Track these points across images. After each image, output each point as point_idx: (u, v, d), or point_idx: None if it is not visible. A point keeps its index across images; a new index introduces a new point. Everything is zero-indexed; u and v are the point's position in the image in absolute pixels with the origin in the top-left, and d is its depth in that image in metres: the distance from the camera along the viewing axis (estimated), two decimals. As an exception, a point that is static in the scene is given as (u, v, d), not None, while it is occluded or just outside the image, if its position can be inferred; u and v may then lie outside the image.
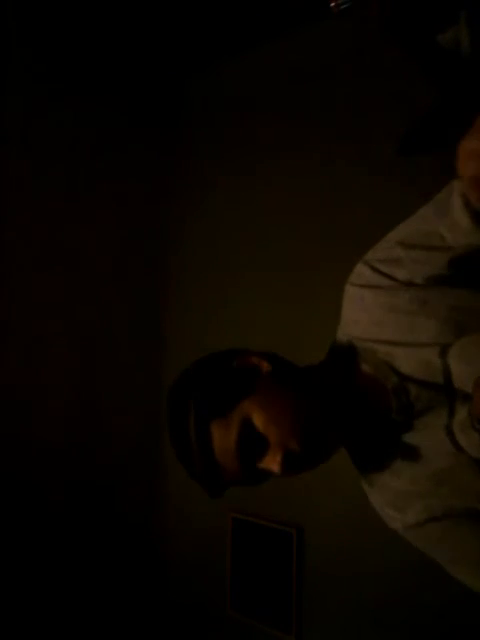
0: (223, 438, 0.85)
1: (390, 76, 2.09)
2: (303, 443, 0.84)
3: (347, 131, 2.23)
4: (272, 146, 2.46)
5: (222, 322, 2.52)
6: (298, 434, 0.84)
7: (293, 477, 0.91)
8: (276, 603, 2.29)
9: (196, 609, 2.57)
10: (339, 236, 2.20)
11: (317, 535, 2.20)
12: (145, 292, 2.77)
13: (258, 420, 0.85)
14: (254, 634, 2.35)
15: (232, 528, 2.42)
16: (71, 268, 2.53)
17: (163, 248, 2.80)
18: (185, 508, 2.63)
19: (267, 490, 2.51)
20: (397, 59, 1.89)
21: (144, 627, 2.66)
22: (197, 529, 2.58)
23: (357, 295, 0.92)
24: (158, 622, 2.67)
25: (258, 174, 2.50)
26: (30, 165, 2.43)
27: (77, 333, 2.54)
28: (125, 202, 2.71)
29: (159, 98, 2.82)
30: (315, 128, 2.33)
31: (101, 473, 2.57)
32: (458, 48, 1.54)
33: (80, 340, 2.55)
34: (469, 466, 0.84)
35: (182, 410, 0.89)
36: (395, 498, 0.92)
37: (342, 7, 1.57)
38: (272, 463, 0.85)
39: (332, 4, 1.57)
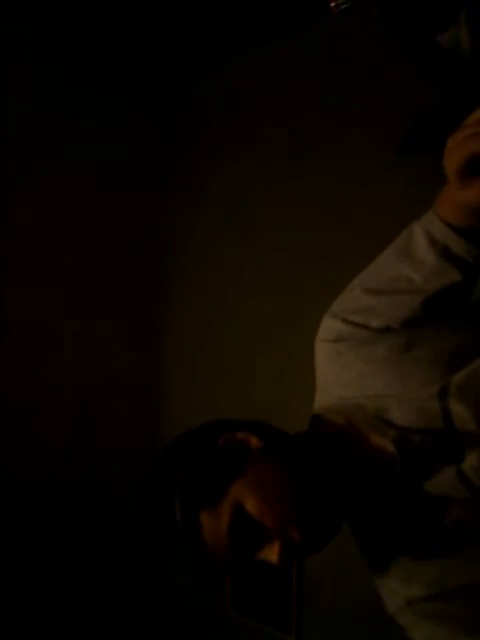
0: (214, 529, 0.77)
1: (390, 76, 2.09)
2: (304, 530, 0.77)
3: (347, 131, 2.23)
4: (272, 146, 2.46)
5: (222, 322, 2.52)
6: (297, 519, 0.77)
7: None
8: (276, 603, 2.28)
9: (196, 609, 2.57)
10: (339, 236, 2.20)
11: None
12: (145, 292, 2.77)
13: (251, 506, 0.77)
14: (254, 634, 2.35)
15: (232, 528, 2.42)
16: (71, 268, 2.53)
17: (163, 248, 2.80)
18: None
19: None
20: (397, 59, 1.89)
21: (144, 627, 2.66)
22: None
23: (332, 351, 0.86)
24: (158, 622, 2.66)
25: (258, 174, 2.50)
26: (30, 165, 2.43)
27: (77, 334, 2.54)
28: (125, 202, 2.71)
29: (159, 98, 2.82)
30: (315, 128, 2.33)
31: (101, 473, 2.57)
32: (458, 48, 1.54)
33: (80, 341, 2.55)
34: None
35: (168, 500, 0.81)
36: (403, 568, 0.85)
37: (342, 7, 1.57)
38: (270, 554, 0.77)
39: (332, 4, 1.57)
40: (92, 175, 2.60)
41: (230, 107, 2.65)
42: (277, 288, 2.36)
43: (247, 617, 2.38)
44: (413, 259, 0.78)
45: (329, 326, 0.86)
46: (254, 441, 0.82)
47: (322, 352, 0.88)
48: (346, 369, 0.85)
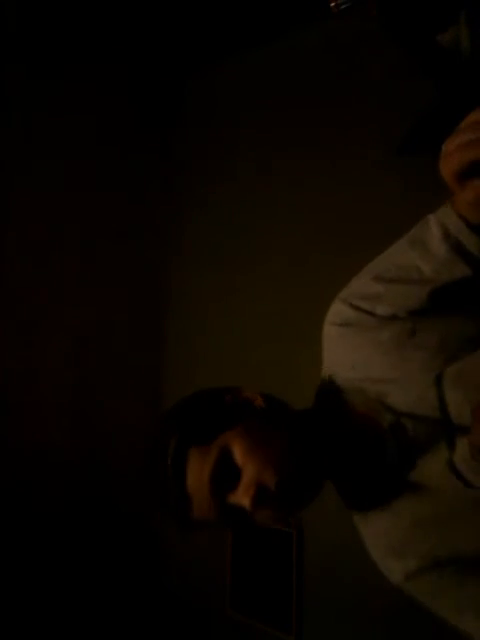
0: (199, 466, 0.82)
1: (390, 76, 2.09)
2: (279, 481, 0.80)
3: (347, 131, 2.23)
4: (272, 146, 2.46)
5: (223, 321, 2.52)
6: (275, 470, 0.80)
7: (264, 524, 0.87)
8: (276, 603, 2.28)
9: (196, 609, 2.57)
10: (339, 235, 2.20)
11: (317, 535, 2.20)
12: (145, 292, 2.77)
13: (237, 450, 0.81)
14: (254, 634, 2.35)
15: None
16: (70, 268, 2.53)
17: (163, 247, 2.80)
18: (185, 508, 2.63)
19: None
20: (397, 59, 1.89)
21: (144, 627, 2.66)
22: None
23: (338, 334, 0.89)
24: (158, 622, 2.66)
25: (258, 174, 2.50)
26: (30, 165, 2.43)
27: (77, 333, 2.54)
28: (125, 201, 2.71)
29: (159, 98, 2.82)
30: (315, 128, 2.33)
31: (101, 473, 2.57)
32: (458, 48, 1.54)
33: (80, 340, 2.55)
34: (477, 504, 0.79)
35: (164, 434, 0.86)
36: (396, 543, 0.88)
37: (342, 7, 1.58)
38: (243, 497, 0.80)
39: (332, 4, 1.57)
40: (92, 174, 2.60)
41: (230, 107, 2.65)
42: (278, 276, 2.35)
43: (247, 617, 2.38)
44: (425, 250, 0.80)
45: (337, 310, 0.88)
46: (259, 401, 0.87)
47: (329, 335, 0.91)
48: (351, 352, 0.88)
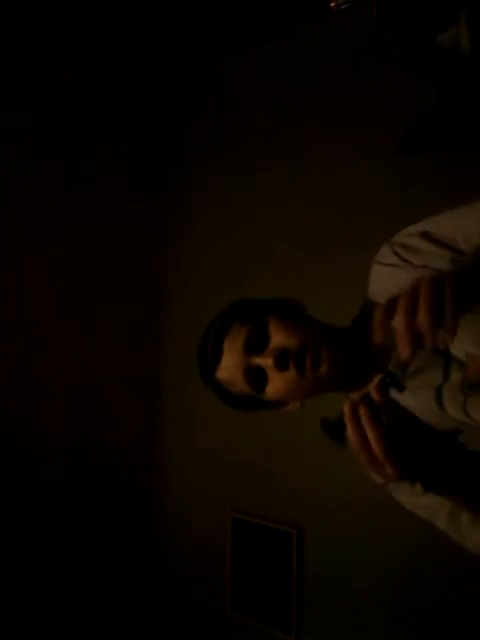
0: (238, 332, 0.98)
1: (390, 76, 2.09)
2: (301, 345, 0.93)
3: (347, 131, 2.23)
4: (272, 146, 2.46)
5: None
6: (299, 341, 0.94)
7: (276, 395, 0.98)
8: (276, 603, 2.29)
9: (196, 609, 2.57)
10: (339, 235, 2.20)
11: (317, 535, 2.20)
12: (145, 291, 2.77)
13: (272, 324, 0.97)
14: (254, 634, 2.35)
15: (232, 528, 2.42)
16: (70, 268, 2.53)
17: (163, 247, 2.80)
18: (185, 508, 2.63)
19: (267, 490, 2.52)
20: (397, 59, 1.89)
21: (144, 627, 2.66)
22: (197, 529, 2.58)
23: (379, 271, 1.02)
24: (158, 622, 2.67)
25: (258, 174, 2.49)
26: (29, 164, 2.43)
27: (77, 333, 2.54)
28: (125, 201, 2.71)
29: (159, 97, 2.82)
30: (315, 127, 2.33)
31: (101, 473, 2.57)
32: (458, 48, 1.54)
33: (80, 340, 2.54)
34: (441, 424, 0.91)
35: (220, 314, 1.04)
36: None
37: (342, 7, 1.58)
38: (268, 356, 0.94)
39: (332, 4, 1.58)
40: (92, 173, 2.60)
41: (230, 106, 2.65)
42: (278, 276, 2.35)
43: (247, 617, 2.38)
44: (465, 225, 0.91)
45: (383, 251, 1.01)
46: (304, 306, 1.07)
47: (374, 270, 1.03)
48: (385, 287, 0.99)
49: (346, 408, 0.76)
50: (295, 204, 2.37)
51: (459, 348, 0.91)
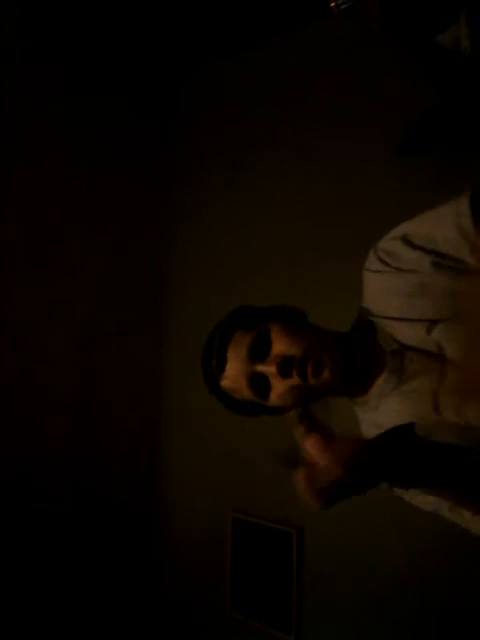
0: (241, 341, 0.99)
1: (390, 76, 2.09)
2: (304, 352, 0.95)
3: (347, 131, 2.23)
4: (272, 146, 2.46)
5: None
6: (301, 348, 0.96)
7: (280, 402, 0.99)
8: (276, 603, 2.28)
9: (196, 609, 2.57)
10: (338, 234, 2.20)
11: (317, 535, 2.20)
12: (145, 291, 2.77)
13: (274, 331, 0.98)
14: (254, 634, 2.35)
15: (232, 528, 2.42)
16: (70, 268, 2.53)
17: (163, 246, 2.80)
18: (185, 508, 2.63)
19: (267, 490, 2.52)
20: (397, 59, 1.89)
21: (144, 627, 2.66)
22: (197, 529, 2.58)
23: (369, 278, 1.04)
24: (158, 622, 2.67)
25: (258, 174, 2.50)
26: (30, 164, 2.43)
27: (77, 333, 2.54)
28: (124, 201, 2.71)
29: (159, 97, 2.82)
30: (315, 128, 2.33)
31: (101, 473, 2.57)
32: (458, 48, 1.54)
33: (80, 340, 2.55)
34: (437, 425, 0.92)
35: (221, 321, 1.05)
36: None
37: (342, 7, 1.58)
38: (271, 364, 0.96)
39: (332, 4, 1.57)
40: (92, 173, 2.60)
41: (230, 107, 2.65)
42: (278, 276, 2.34)
43: (247, 617, 2.38)
44: (449, 230, 0.92)
45: (370, 257, 1.03)
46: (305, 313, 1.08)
47: (364, 277, 1.06)
48: (375, 294, 1.03)
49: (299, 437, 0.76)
50: (295, 204, 2.37)
51: (454, 351, 0.92)
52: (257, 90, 2.54)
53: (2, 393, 2.33)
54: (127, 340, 2.67)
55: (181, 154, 2.81)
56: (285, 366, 0.95)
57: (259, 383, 0.98)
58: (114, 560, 2.59)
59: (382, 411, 1.01)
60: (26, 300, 2.40)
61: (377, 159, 2.12)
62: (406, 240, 0.97)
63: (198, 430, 2.58)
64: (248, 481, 2.38)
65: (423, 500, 0.97)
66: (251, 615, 2.37)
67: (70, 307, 2.52)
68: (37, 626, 2.35)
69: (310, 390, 0.97)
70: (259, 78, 2.53)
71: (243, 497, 2.42)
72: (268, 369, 0.96)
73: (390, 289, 1.00)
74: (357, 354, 1.01)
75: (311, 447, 0.71)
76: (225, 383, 1.01)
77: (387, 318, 1.01)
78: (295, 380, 0.95)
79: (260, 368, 0.97)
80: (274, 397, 0.98)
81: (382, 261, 1.00)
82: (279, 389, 0.97)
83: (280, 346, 0.97)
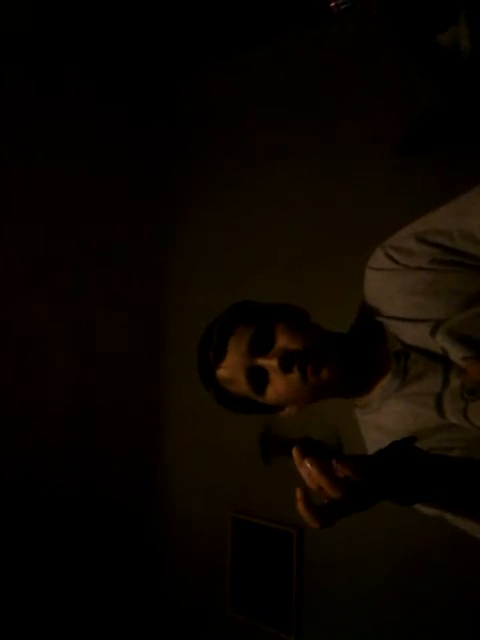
0: (242, 333, 0.98)
1: (390, 76, 2.09)
2: (306, 347, 0.94)
3: (347, 131, 2.23)
4: (271, 146, 2.46)
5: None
6: (303, 343, 0.95)
7: (277, 399, 0.98)
8: (276, 603, 2.29)
9: (196, 609, 2.57)
10: (339, 235, 2.20)
11: (317, 535, 2.20)
12: (145, 291, 2.77)
13: (277, 327, 0.97)
14: (254, 634, 2.35)
15: (232, 528, 2.42)
16: (70, 268, 2.53)
17: (162, 247, 2.80)
18: (185, 508, 2.63)
19: (267, 490, 2.51)
20: (397, 59, 1.89)
21: (144, 627, 2.66)
22: (197, 529, 2.58)
23: (373, 277, 1.02)
24: (158, 622, 2.67)
25: (258, 174, 2.49)
26: (30, 164, 2.43)
27: (77, 333, 2.54)
28: (124, 201, 2.71)
29: (158, 98, 2.82)
30: (315, 128, 2.33)
31: (101, 474, 2.57)
32: (458, 48, 1.54)
33: (80, 340, 2.55)
34: (442, 428, 0.93)
35: (222, 314, 1.04)
36: (382, 436, 1.00)
37: (342, 7, 1.58)
38: (272, 358, 0.95)
39: (332, 4, 1.57)
40: (91, 174, 2.60)
41: (230, 107, 2.65)
42: (278, 277, 2.34)
43: (247, 617, 2.38)
44: (465, 224, 0.91)
45: (376, 256, 1.02)
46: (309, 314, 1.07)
47: (367, 277, 1.04)
48: (380, 293, 1.02)
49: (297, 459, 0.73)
50: (295, 204, 2.37)
51: (454, 353, 0.91)
52: (257, 90, 2.54)
53: (1, 393, 2.33)
54: (127, 340, 2.67)
55: (181, 154, 2.81)
56: (287, 360, 0.94)
57: (257, 377, 0.97)
58: (114, 560, 2.59)
59: (384, 413, 1.01)
60: (26, 300, 2.40)
61: (377, 159, 2.12)
62: (419, 237, 0.96)
63: (198, 430, 2.58)
64: (248, 481, 2.38)
65: (427, 508, 0.96)
66: (251, 615, 2.37)
67: (70, 307, 2.52)
68: (37, 626, 2.35)
69: (309, 388, 0.96)
70: (259, 78, 2.53)
71: (243, 497, 2.42)
72: (269, 363, 0.95)
73: (395, 288, 0.99)
74: (358, 356, 1.00)
75: (308, 471, 0.70)
76: (222, 373, 1.00)
77: (391, 318, 1.00)
78: (295, 376, 0.94)
79: (260, 362, 0.96)
80: (271, 392, 0.98)
81: (390, 258, 0.99)
82: (277, 384, 0.96)
83: (283, 341, 0.96)
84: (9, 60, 2.36)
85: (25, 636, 2.31)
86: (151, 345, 2.76)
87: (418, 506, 0.96)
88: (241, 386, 0.99)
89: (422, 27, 1.61)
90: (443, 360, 0.94)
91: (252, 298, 1.11)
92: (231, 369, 0.99)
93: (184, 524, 2.63)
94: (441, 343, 0.93)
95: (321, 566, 2.20)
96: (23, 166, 2.41)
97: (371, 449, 1.02)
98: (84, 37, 2.45)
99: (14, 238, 2.38)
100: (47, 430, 2.43)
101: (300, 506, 0.69)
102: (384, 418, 1.01)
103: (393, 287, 0.99)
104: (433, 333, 0.93)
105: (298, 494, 0.70)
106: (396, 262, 0.98)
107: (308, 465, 0.70)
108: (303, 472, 0.71)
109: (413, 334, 0.97)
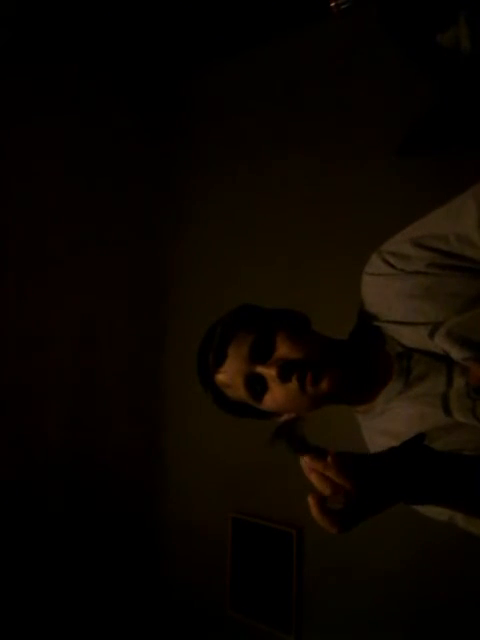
0: (243, 340, 0.98)
1: (390, 76, 2.09)
2: (306, 359, 0.94)
3: (347, 131, 2.23)
4: (271, 146, 2.46)
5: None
6: (304, 353, 0.95)
7: (274, 407, 0.98)
8: (276, 603, 2.29)
9: (196, 609, 2.57)
10: (339, 235, 2.20)
11: (317, 535, 2.20)
12: (145, 291, 2.77)
13: (279, 335, 0.97)
14: (254, 634, 2.35)
15: (232, 528, 2.42)
16: (70, 268, 2.53)
17: (163, 246, 2.80)
18: (185, 508, 2.63)
19: (267, 490, 2.52)
20: (397, 59, 1.89)
21: (144, 627, 2.66)
22: (197, 529, 2.58)
23: (370, 283, 1.02)
24: (158, 622, 2.67)
25: (258, 174, 2.49)
26: (30, 163, 2.43)
27: (77, 333, 2.54)
28: (124, 201, 2.71)
29: (159, 98, 2.82)
30: (315, 128, 2.33)
31: (101, 473, 2.57)
32: (458, 48, 1.54)
33: (80, 340, 2.54)
34: (449, 428, 0.93)
35: (224, 317, 1.04)
36: (384, 441, 1.00)
37: (342, 7, 1.58)
38: (272, 366, 0.95)
39: (332, 4, 1.58)
40: (91, 173, 2.59)
41: (230, 106, 2.65)
42: (278, 276, 2.34)
43: (247, 617, 2.38)
44: (460, 227, 0.91)
45: (373, 261, 1.02)
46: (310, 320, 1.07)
47: (364, 282, 1.04)
48: (378, 298, 1.02)
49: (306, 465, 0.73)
50: (295, 204, 2.37)
51: (458, 354, 0.91)
52: (257, 90, 2.54)
53: (1, 393, 2.33)
54: (127, 341, 2.67)
55: (182, 153, 2.81)
56: (286, 370, 0.94)
57: (255, 384, 0.97)
58: (114, 560, 2.59)
59: (388, 417, 1.00)
60: (26, 299, 2.40)
61: (377, 159, 2.12)
62: (415, 242, 0.96)
63: (198, 430, 2.58)
64: (248, 481, 2.38)
65: (437, 511, 0.96)
66: (251, 615, 2.37)
67: (70, 306, 2.52)
68: (37, 627, 2.35)
69: (307, 398, 0.95)
70: (259, 78, 2.53)
71: (243, 497, 2.42)
72: (268, 371, 0.95)
73: (393, 292, 0.99)
74: (359, 364, 1.00)
75: (319, 476, 0.69)
76: (220, 378, 1.00)
77: (390, 322, 1.00)
78: (293, 386, 0.94)
79: (260, 370, 0.96)
80: (268, 400, 0.98)
81: (387, 263, 0.98)
82: (275, 393, 0.96)
83: (283, 350, 0.96)
84: (9, 60, 2.36)
85: (25, 636, 2.30)
86: (151, 344, 2.76)
87: (429, 510, 0.96)
88: (239, 392, 1.00)
89: (422, 27, 1.61)
90: (445, 360, 0.94)
91: (253, 299, 1.11)
92: (230, 374, 0.99)
93: (184, 524, 2.63)
94: (441, 345, 0.93)
95: (321, 566, 2.20)
96: (23, 165, 2.41)
97: None
98: (84, 36, 2.45)
99: (14, 234, 2.38)
100: (47, 430, 2.43)
101: (315, 513, 0.68)
102: (389, 422, 1.00)
103: (391, 292, 0.99)
104: (432, 335, 0.93)
105: (311, 501, 0.69)
106: (393, 267, 0.98)
107: (321, 469, 0.69)
108: (313, 478, 0.70)
109: (412, 337, 0.97)
